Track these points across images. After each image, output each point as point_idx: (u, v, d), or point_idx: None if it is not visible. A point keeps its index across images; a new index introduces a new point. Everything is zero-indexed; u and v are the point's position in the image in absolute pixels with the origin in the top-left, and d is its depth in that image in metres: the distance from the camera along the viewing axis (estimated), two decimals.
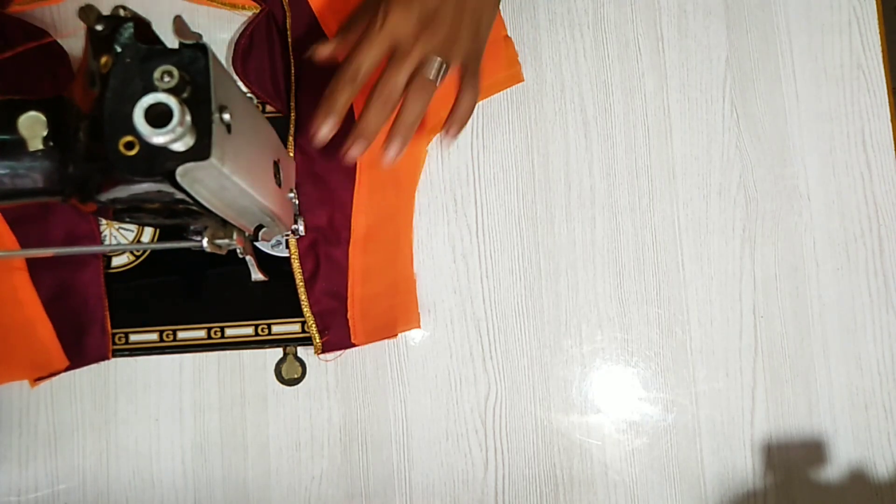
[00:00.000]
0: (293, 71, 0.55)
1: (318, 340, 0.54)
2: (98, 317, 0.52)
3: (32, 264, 0.52)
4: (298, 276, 0.54)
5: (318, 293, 0.54)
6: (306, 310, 0.54)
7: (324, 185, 0.54)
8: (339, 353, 0.54)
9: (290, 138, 0.54)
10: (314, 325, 0.54)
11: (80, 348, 0.52)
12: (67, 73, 0.54)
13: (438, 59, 0.45)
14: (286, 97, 0.55)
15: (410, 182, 0.56)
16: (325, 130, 0.44)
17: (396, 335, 0.55)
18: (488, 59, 0.52)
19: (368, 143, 0.45)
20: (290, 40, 0.55)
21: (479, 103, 0.55)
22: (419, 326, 0.55)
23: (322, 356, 0.54)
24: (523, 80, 0.58)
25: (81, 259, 0.53)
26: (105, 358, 0.52)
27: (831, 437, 0.56)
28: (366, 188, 0.55)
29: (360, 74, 0.44)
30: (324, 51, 0.48)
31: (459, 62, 0.47)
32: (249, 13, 0.56)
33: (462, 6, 0.46)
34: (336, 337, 0.54)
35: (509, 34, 0.58)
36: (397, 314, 0.55)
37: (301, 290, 0.54)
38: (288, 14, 0.56)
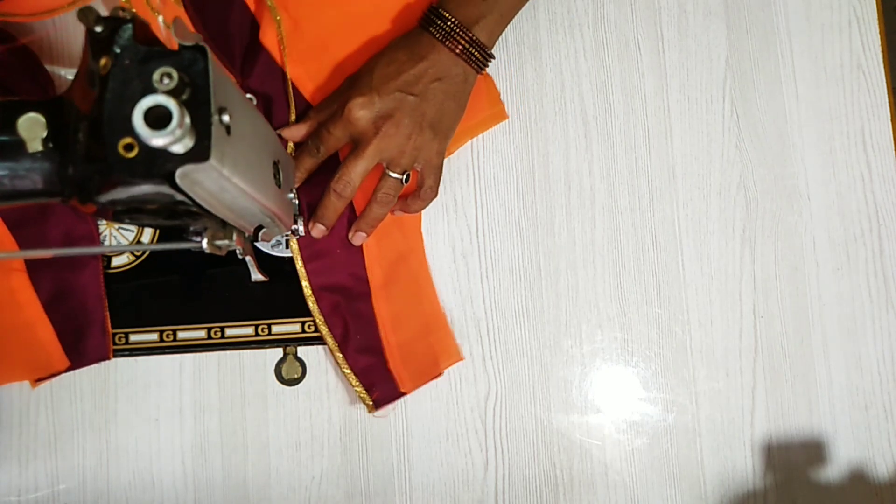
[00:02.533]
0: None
1: (368, 400, 0.53)
2: (98, 317, 0.52)
3: (31, 266, 0.52)
4: (331, 342, 0.53)
5: (353, 352, 0.53)
6: (348, 371, 0.53)
7: (329, 248, 0.54)
8: (392, 405, 0.54)
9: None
10: (360, 385, 0.53)
11: (81, 349, 0.52)
12: (45, 76, 0.54)
13: (397, 171, 0.50)
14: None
15: (414, 220, 0.56)
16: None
17: (442, 372, 0.54)
18: (471, 98, 0.54)
19: (327, 229, 0.52)
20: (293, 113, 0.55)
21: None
22: (462, 358, 0.55)
23: (377, 413, 0.54)
24: (507, 118, 0.57)
25: (80, 260, 0.53)
26: (105, 358, 0.52)
27: (831, 437, 0.56)
28: (372, 238, 0.54)
29: (321, 152, 0.51)
30: (295, 133, 0.53)
31: (420, 166, 0.52)
32: None
33: (421, 113, 0.50)
34: (384, 391, 0.53)
35: (509, 35, 0.58)
36: (437, 351, 0.55)
37: (337, 355, 0.53)
38: (290, 81, 0.55)
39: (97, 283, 0.53)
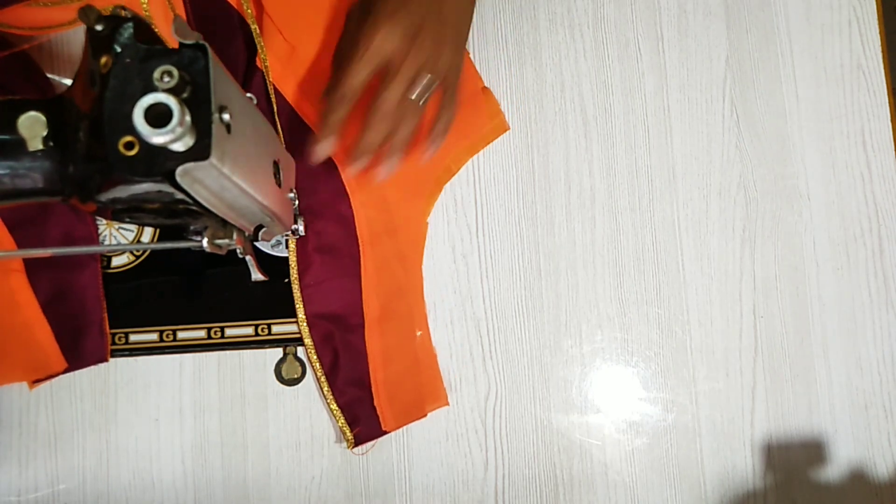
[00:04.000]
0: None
1: (349, 435, 0.53)
2: (96, 318, 0.52)
3: (30, 266, 0.52)
4: (319, 371, 0.53)
5: (340, 384, 0.53)
6: (332, 404, 0.53)
7: (328, 275, 0.54)
8: (372, 443, 0.54)
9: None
10: (343, 419, 0.53)
11: (79, 350, 0.52)
12: (45, 82, 0.54)
13: (428, 76, 0.46)
14: None
15: (416, 255, 0.56)
16: (323, 147, 0.47)
17: (426, 415, 0.54)
18: (471, 114, 0.54)
19: (368, 159, 0.47)
20: (278, 122, 0.55)
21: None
22: (448, 404, 0.54)
23: (356, 450, 0.53)
24: (509, 129, 0.57)
25: (79, 261, 0.53)
26: (103, 360, 0.52)
27: (831, 437, 0.56)
28: (372, 268, 0.54)
29: (352, 93, 0.46)
30: (322, 149, 0.48)
31: (443, 76, 0.48)
32: None
33: (443, 19, 0.47)
34: (367, 428, 0.53)
35: (509, 35, 0.58)
36: (424, 393, 0.54)
37: (324, 385, 0.53)
38: (274, 102, 0.55)
39: (96, 284, 0.53)
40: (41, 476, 0.52)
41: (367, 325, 0.54)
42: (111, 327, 0.53)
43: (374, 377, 0.54)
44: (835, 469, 0.56)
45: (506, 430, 0.55)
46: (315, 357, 0.53)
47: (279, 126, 0.54)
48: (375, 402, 0.53)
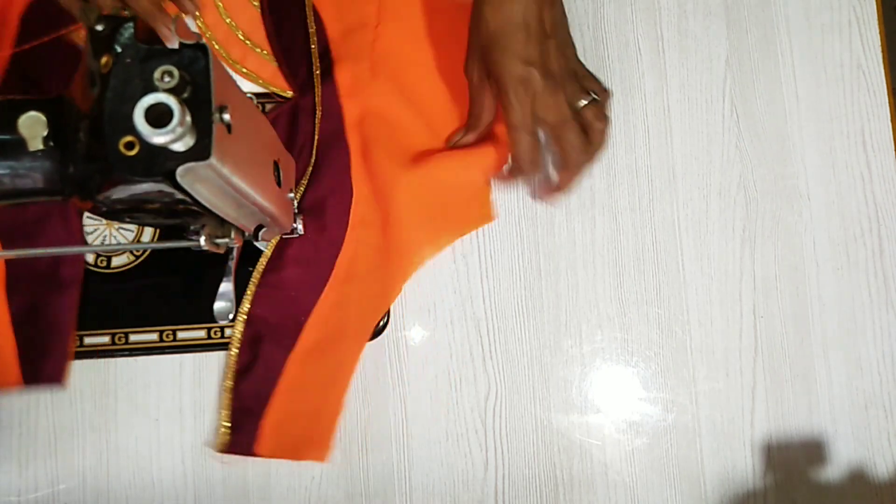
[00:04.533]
0: (311, 167, 0.54)
1: (224, 438, 0.51)
2: (62, 343, 0.51)
3: (11, 279, 0.51)
4: (231, 367, 0.52)
5: (243, 389, 0.52)
6: (227, 400, 0.52)
7: (292, 285, 0.53)
8: (235, 457, 0.52)
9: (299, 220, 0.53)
10: (227, 419, 0.52)
11: (37, 370, 0.51)
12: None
13: (582, 101, 0.49)
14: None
15: (373, 315, 0.54)
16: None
17: (300, 459, 0.52)
18: (465, 203, 0.55)
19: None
20: (316, 137, 0.55)
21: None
22: (325, 461, 0.52)
23: (218, 454, 0.52)
24: (493, 220, 0.56)
25: (62, 282, 0.51)
26: (59, 384, 0.51)
27: (831, 437, 0.56)
28: (331, 301, 0.53)
29: (528, 158, 0.49)
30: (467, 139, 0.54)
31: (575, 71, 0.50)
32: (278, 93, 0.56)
33: (561, 50, 0.49)
34: (242, 441, 0.51)
35: None
36: (309, 442, 0.52)
37: (228, 383, 0.52)
38: (318, 111, 0.55)
39: (72, 308, 0.51)
40: (41, 476, 0.52)
41: (296, 350, 0.53)
42: (111, 327, 0.53)
43: (274, 400, 0.52)
44: (835, 469, 0.56)
45: (506, 430, 0.55)
46: (235, 354, 0.52)
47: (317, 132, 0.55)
48: (262, 423, 0.52)
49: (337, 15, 0.56)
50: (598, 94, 0.50)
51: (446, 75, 0.56)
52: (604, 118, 0.50)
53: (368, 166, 0.54)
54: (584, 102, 0.49)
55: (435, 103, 0.56)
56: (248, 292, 0.53)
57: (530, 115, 0.48)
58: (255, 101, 0.56)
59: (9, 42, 0.52)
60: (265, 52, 0.56)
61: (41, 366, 0.51)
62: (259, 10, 0.56)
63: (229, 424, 0.52)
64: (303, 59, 0.55)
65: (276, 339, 0.53)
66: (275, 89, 0.55)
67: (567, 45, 0.50)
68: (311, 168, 0.54)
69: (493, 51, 0.48)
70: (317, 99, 0.55)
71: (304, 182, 0.54)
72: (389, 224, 0.54)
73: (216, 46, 0.55)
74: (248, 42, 0.55)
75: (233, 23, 0.55)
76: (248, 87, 0.56)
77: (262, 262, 0.53)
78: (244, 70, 0.55)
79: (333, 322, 0.53)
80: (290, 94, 0.55)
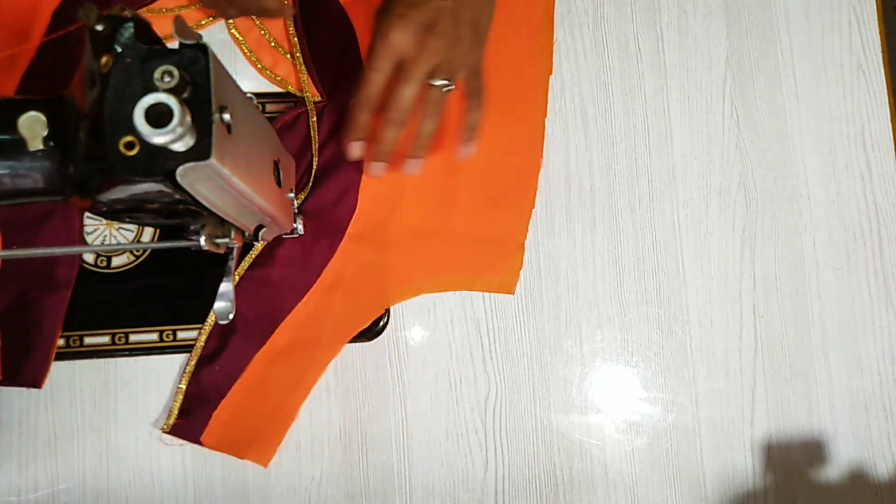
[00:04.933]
0: (313, 171, 0.55)
1: (172, 419, 0.51)
2: (46, 344, 0.51)
3: (3, 275, 0.51)
4: (198, 350, 0.52)
5: (203, 375, 0.52)
6: (183, 383, 0.52)
7: (276, 283, 0.53)
8: (178, 440, 0.52)
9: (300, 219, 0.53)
10: (179, 401, 0.52)
11: (17, 368, 0.51)
12: None
13: (444, 76, 0.47)
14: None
15: (347, 330, 0.54)
16: (354, 148, 0.48)
17: (243, 458, 0.52)
18: (493, 260, 0.55)
19: (387, 159, 0.48)
20: (317, 144, 0.55)
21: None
22: (265, 465, 0.52)
23: (164, 435, 0.52)
24: (513, 293, 0.56)
25: (54, 283, 0.51)
26: (37, 386, 0.51)
27: (831, 437, 0.56)
28: (309, 307, 0.53)
29: (372, 95, 0.47)
30: (353, 151, 0.49)
31: (463, 73, 0.48)
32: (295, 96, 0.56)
33: (459, 16, 0.47)
34: (190, 427, 0.51)
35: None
36: (256, 443, 0.52)
37: (192, 363, 0.52)
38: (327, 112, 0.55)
39: (59, 311, 0.51)
40: (41, 476, 0.52)
41: (265, 349, 0.53)
42: (111, 327, 0.53)
43: (231, 394, 0.52)
44: (835, 469, 0.56)
45: (506, 430, 0.55)
46: (204, 337, 0.52)
47: None
48: (214, 413, 0.52)
49: (369, 25, 0.56)
50: (474, 108, 0.49)
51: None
52: (437, 116, 0.48)
53: (386, 184, 0.54)
54: (439, 82, 0.47)
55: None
56: (234, 277, 0.52)
57: (388, 57, 0.46)
58: (265, 102, 0.56)
59: (38, 35, 0.52)
60: (295, 57, 0.56)
61: (21, 366, 0.51)
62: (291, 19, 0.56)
63: (181, 408, 0.52)
64: (332, 65, 0.56)
65: (247, 333, 0.53)
66: (305, 95, 0.56)
67: (459, 36, 0.47)
68: (313, 171, 0.54)
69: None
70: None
71: (310, 185, 0.54)
72: (392, 245, 0.54)
73: (247, 52, 0.56)
74: (279, 49, 0.56)
75: (265, 30, 0.56)
76: (266, 89, 0.56)
77: (252, 255, 0.53)
78: (277, 77, 0.56)
79: (309, 329, 0.53)
80: (318, 98, 0.56)
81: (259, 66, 0.56)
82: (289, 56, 0.56)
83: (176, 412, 0.52)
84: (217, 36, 0.56)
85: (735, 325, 0.57)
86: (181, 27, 0.31)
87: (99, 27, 0.31)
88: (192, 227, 0.41)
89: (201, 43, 0.31)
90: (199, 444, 0.51)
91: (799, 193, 0.58)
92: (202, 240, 0.37)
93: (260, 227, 0.43)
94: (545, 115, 0.57)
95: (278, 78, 0.56)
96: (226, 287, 0.46)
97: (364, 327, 0.54)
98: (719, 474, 0.55)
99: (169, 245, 0.41)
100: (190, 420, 0.52)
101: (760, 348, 0.57)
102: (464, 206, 0.55)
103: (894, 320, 0.57)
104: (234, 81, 0.35)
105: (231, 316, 0.44)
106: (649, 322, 0.56)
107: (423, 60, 0.46)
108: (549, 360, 0.56)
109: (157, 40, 0.32)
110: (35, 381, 0.51)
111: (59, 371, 0.53)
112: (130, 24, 0.31)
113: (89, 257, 0.53)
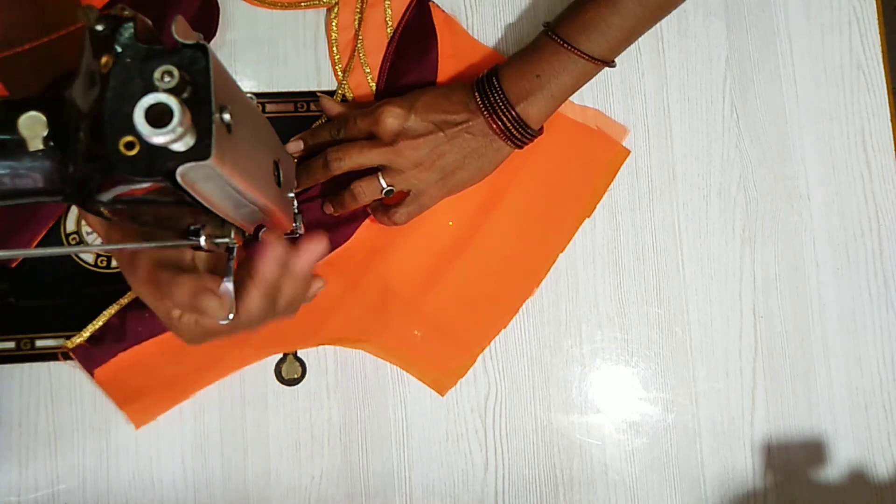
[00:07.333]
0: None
1: (82, 339, 0.52)
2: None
3: None
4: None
5: (131, 316, 0.52)
6: (112, 310, 0.52)
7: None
8: (74, 361, 0.52)
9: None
10: (97, 326, 0.52)
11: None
12: None
13: (386, 180, 0.50)
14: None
15: (271, 346, 0.54)
16: (291, 145, 0.54)
17: (121, 408, 0.52)
18: (443, 357, 0.55)
19: (296, 188, 0.52)
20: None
21: None
22: (137, 427, 0.52)
23: (68, 344, 0.51)
24: (443, 396, 0.55)
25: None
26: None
27: (831, 437, 0.56)
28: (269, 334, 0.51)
29: (340, 134, 0.52)
30: (331, 107, 0.55)
31: (408, 189, 0.51)
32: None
33: (440, 154, 0.50)
34: (93, 353, 0.52)
35: (510, 35, 0.58)
36: (142, 401, 0.52)
37: (128, 297, 0.52)
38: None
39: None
40: (41, 476, 0.52)
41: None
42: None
43: (146, 345, 0.52)
44: (835, 469, 0.56)
45: (506, 430, 0.55)
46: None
47: None
48: (121, 353, 0.52)
49: (455, 71, 0.57)
50: (402, 213, 0.52)
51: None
52: (360, 197, 0.51)
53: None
54: (384, 181, 0.51)
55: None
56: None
57: (371, 125, 0.50)
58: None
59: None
60: (371, 74, 0.56)
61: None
62: (388, 36, 0.57)
63: (94, 334, 0.52)
64: (399, 89, 0.56)
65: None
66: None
67: (430, 166, 0.50)
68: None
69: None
70: None
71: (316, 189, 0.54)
72: (359, 289, 0.54)
73: (334, 49, 0.56)
74: (362, 59, 0.56)
75: (361, 37, 0.56)
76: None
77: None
78: (345, 83, 0.56)
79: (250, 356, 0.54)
80: None
81: (337, 67, 0.56)
82: (367, 70, 0.56)
83: (87, 335, 0.52)
84: (218, 36, 0.56)
85: (735, 325, 0.57)
86: (181, 27, 0.31)
87: (99, 27, 0.31)
88: (192, 227, 0.41)
89: (201, 43, 0.31)
90: (91, 375, 0.51)
91: (799, 193, 0.58)
92: (202, 240, 0.37)
93: (260, 226, 0.43)
94: (561, 252, 0.56)
95: (346, 84, 0.56)
96: (226, 287, 0.46)
97: (282, 353, 0.54)
98: (719, 474, 0.56)
99: (169, 245, 0.41)
100: (95, 348, 0.52)
101: (760, 348, 0.57)
102: (445, 292, 0.55)
103: (894, 320, 0.57)
104: (234, 81, 0.35)
105: (231, 316, 0.44)
106: (649, 322, 0.56)
107: (387, 152, 0.50)
108: (549, 360, 0.56)
109: (157, 40, 0.32)
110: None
111: (60, 371, 0.53)
112: (130, 24, 0.31)
113: (89, 257, 0.53)
